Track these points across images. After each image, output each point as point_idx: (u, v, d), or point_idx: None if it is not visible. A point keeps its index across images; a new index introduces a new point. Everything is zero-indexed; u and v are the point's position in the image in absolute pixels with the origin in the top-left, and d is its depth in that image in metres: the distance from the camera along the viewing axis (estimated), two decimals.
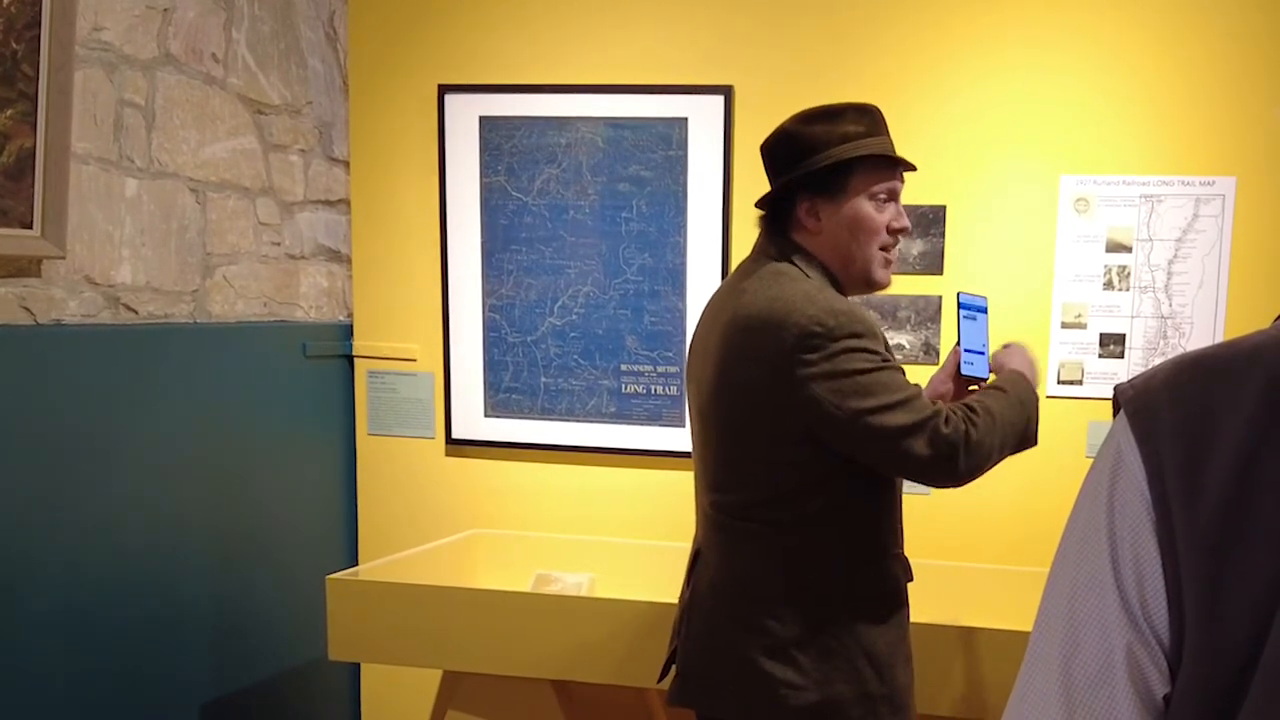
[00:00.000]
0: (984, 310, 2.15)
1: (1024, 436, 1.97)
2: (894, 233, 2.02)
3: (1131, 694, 0.80)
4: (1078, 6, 2.84)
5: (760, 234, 2.08)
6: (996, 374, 2.10)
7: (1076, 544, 0.86)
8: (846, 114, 2.00)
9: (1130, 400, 0.85)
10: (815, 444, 1.90)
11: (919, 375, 2.24)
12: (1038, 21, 2.86)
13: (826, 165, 1.96)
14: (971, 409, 1.90)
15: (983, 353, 2.13)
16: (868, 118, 2.00)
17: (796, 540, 1.95)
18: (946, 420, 1.85)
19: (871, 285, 2.04)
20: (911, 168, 2.04)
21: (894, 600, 2.00)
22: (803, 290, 1.92)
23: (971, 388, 2.13)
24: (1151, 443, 0.82)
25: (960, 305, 2.12)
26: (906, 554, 2.06)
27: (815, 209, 1.99)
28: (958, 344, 2.12)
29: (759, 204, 2.07)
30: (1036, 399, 2.02)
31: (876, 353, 1.88)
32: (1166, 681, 0.81)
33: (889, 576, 1.99)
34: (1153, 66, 2.82)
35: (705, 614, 2.06)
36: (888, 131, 2.03)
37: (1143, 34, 2.82)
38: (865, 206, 1.98)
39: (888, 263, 2.03)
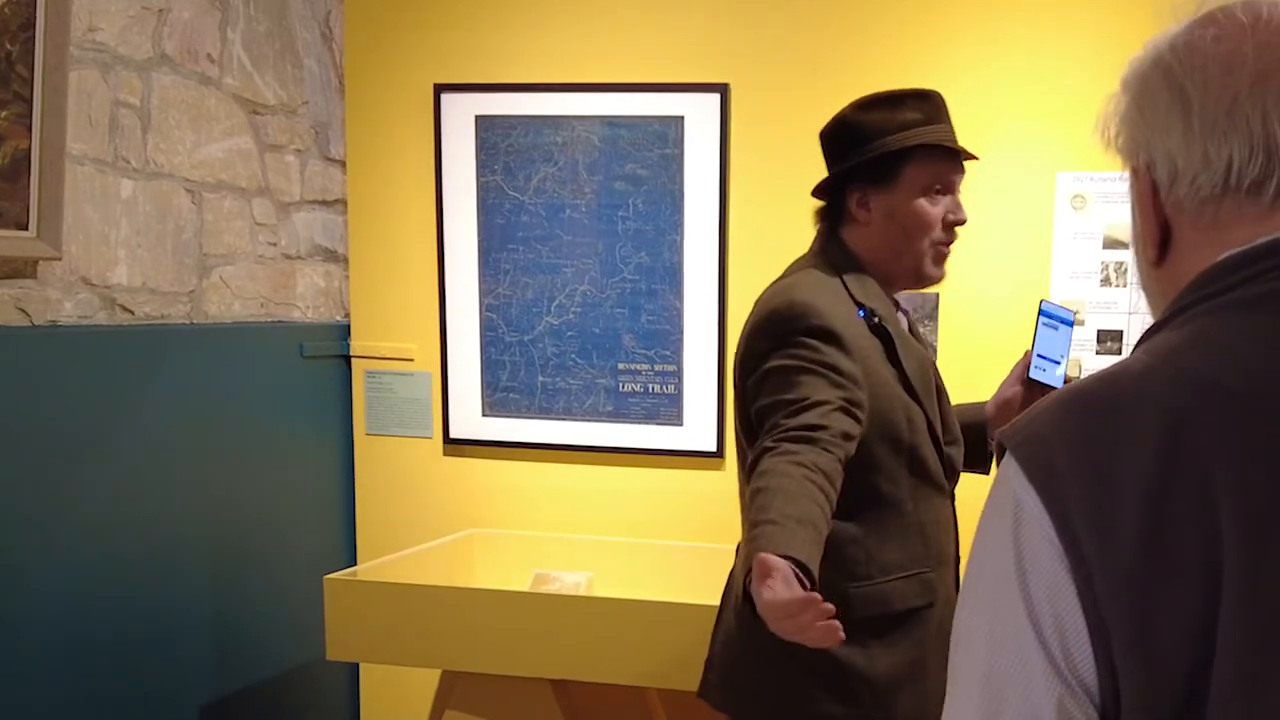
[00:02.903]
0: (1068, 323, 2.08)
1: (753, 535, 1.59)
2: (949, 226, 1.93)
3: None
4: (1074, 3, 2.83)
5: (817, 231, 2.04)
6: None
7: (986, 599, 0.82)
8: (906, 101, 1.91)
9: (1019, 446, 0.83)
10: None
11: None
12: (1033, 18, 2.85)
13: (877, 155, 1.89)
14: (797, 465, 1.63)
15: (1058, 362, 2.07)
16: (927, 104, 1.92)
17: None
18: (781, 438, 1.67)
19: (922, 280, 1.98)
20: (972, 157, 1.96)
21: (904, 623, 1.89)
22: (786, 284, 1.89)
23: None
24: (1052, 488, 0.80)
25: (1041, 313, 2.06)
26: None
27: (866, 200, 1.92)
28: (1030, 349, 2.07)
29: (815, 192, 2.01)
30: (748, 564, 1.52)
31: (816, 352, 1.77)
32: None
33: (900, 598, 1.89)
34: None
35: (724, 603, 2.05)
36: (948, 119, 1.94)
37: (1139, 29, 2.80)
38: (918, 199, 1.90)
39: (941, 257, 1.95)
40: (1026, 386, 2.07)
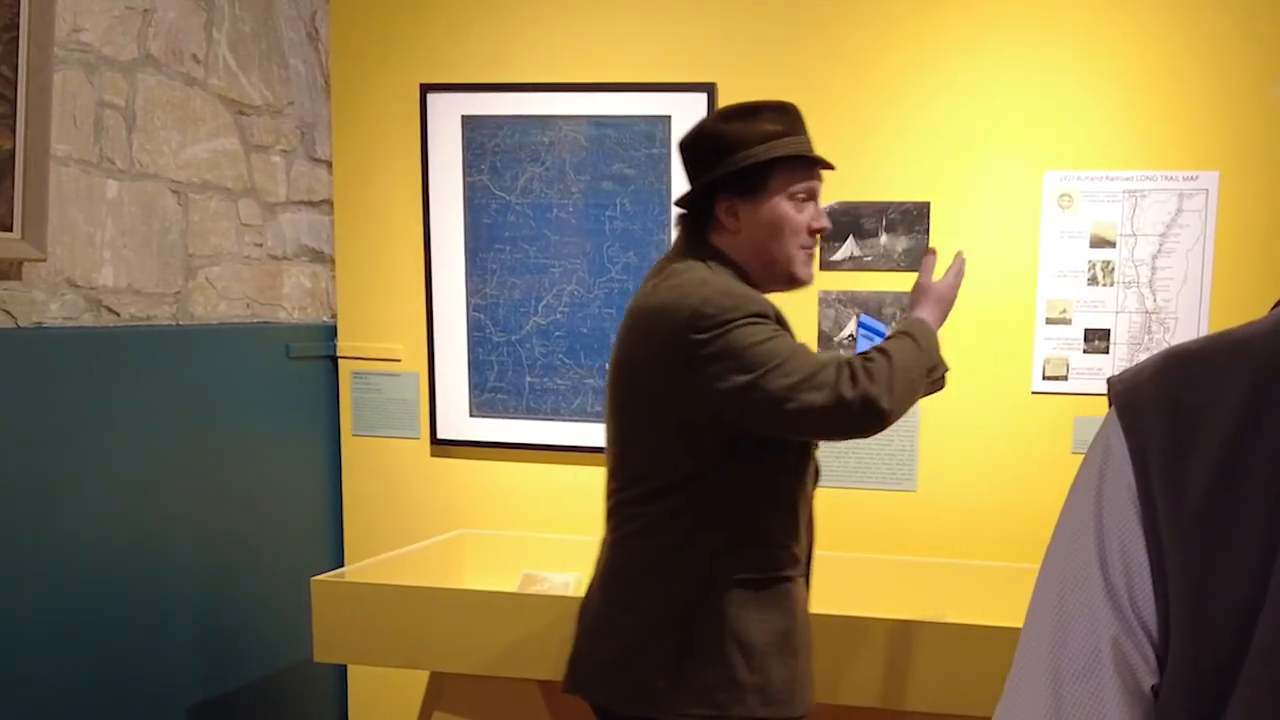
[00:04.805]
0: (882, 335, 2.19)
1: (928, 380, 1.98)
2: (813, 233, 2.03)
3: (1118, 685, 0.81)
4: (1062, 2, 2.84)
5: (679, 235, 2.08)
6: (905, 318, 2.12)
7: (1066, 536, 0.86)
8: (763, 113, 2.00)
9: (1119, 394, 0.86)
10: (695, 429, 1.92)
11: None
12: (1021, 18, 2.86)
13: (745, 165, 1.96)
14: (867, 356, 1.90)
15: None
16: (786, 116, 2.01)
17: (667, 525, 1.98)
18: (840, 368, 1.85)
19: (794, 282, 2.06)
20: (829, 166, 2.04)
21: (776, 591, 1.99)
22: (700, 278, 1.94)
23: None
24: (1138, 435, 0.82)
25: (860, 325, 2.19)
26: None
27: (734, 209, 1.99)
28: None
29: (679, 202, 2.07)
30: (933, 343, 2.02)
31: (766, 327, 1.89)
32: (1154, 673, 0.81)
33: (769, 567, 1.99)
34: (1136, 61, 2.82)
35: (591, 600, 2.12)
36: (806, 130, 2.03)
37: (1126, 29, 2.83)
38: (784, 206, 1.99)
39: (809, 259, 2.05)
40: None
